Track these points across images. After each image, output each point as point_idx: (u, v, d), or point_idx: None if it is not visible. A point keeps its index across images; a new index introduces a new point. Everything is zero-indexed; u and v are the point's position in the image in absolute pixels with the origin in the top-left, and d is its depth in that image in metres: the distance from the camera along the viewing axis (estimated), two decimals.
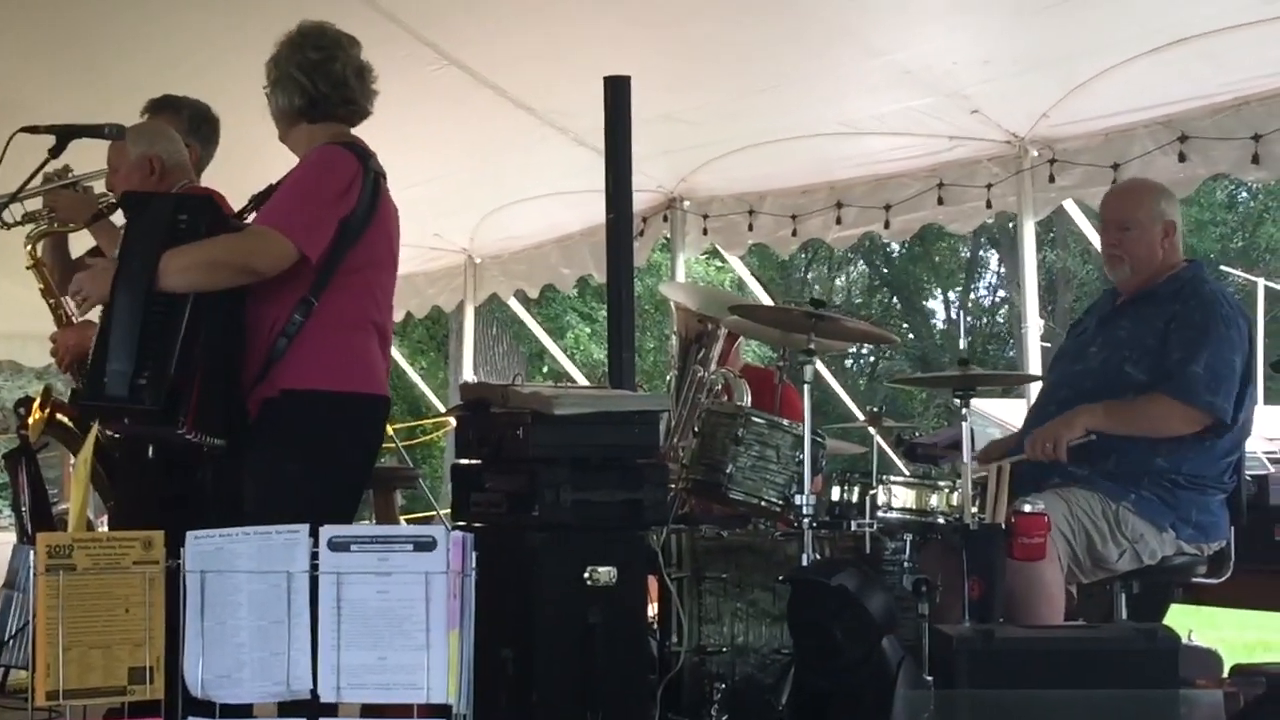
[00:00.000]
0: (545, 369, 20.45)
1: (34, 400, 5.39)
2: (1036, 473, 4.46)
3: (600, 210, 5.58)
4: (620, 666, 3.98)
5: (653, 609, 4.53)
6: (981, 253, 32.40)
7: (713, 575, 4.53)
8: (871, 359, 31.79)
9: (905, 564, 4.29)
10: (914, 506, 4.28)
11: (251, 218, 4.19)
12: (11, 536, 6.73)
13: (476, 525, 4.18)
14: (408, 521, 9.75)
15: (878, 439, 4.90)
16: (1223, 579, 4.62)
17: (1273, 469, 8.31)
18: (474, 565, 3.05)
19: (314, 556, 3.06)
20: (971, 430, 4.24)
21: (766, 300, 9.27)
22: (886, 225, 7.28)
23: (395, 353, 9.45)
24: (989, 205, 6.84)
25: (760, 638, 4.49)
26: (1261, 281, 21.17)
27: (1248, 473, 4.76)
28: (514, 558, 3.93)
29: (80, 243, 4.98)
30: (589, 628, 3.91)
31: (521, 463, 4.05)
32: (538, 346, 18.37)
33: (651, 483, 4.11)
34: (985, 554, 4.04)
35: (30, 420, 5.32)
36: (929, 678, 3.82)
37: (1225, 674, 4.52)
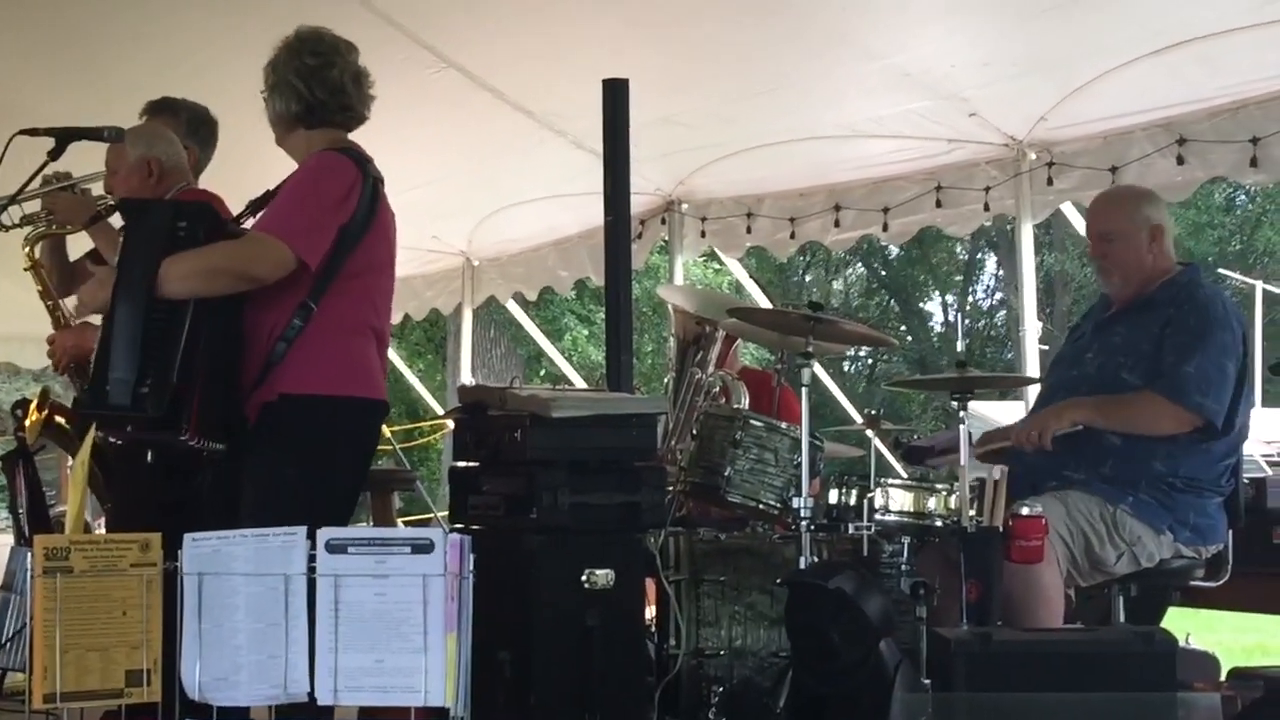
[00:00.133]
0: (543, 371, 20.47)
1: (31, 402, 5.38)
2: (1034, 475, 4.46)
3: (598, 213, 5.59)
4: (618, 669, 3.98)
5: (650, 612, 4.53)
6: (979, 255, 32.42)
7: (710, 578, 4.53)
8: (870, 362, 31.80)
9: (903, 567, 4.29)
10: (912, 509, 4.28)
11: (249, 223, 4.20)
12: (9, 539, 6.73)
13: (474, 528, 4.19)
14: (405, 524, 9.75)
15: (876, 442, 4.90)
16: (1220, 582, 4.62)
17: (1271, 472, 8.32)
18: (472, 568, 3.05)
19: (311, 559, 3.05)
20: (969, 433, 4.25)
21: (764, 303, 9.27)
22: (885, 228, 7.28)
23: (393, 355, 9.48)
24: (987, 208, 6.85)
25: (758, 640, 4.49)
26: (1259, 284, 21.22)
27: (1245, 476, 4.77)
28: (512, 560, 3.93)
29: (78, 245, 4.97)
30: (587, 630, 3.91)
31: (519, 465, 4.05)
32: (535, 349, 18.37)
33: (649, 485, 4.12)
34: (983, 557, 4.05)
35: (27, 422, 5.31)
36: (927, 680, 3.81)
37: (1223, 677, 4.53)
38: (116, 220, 4.56)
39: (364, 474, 4.25)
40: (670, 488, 4.50)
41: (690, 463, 4.63)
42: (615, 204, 5.48)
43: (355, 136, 4.18)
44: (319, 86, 4.08)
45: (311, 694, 3.05)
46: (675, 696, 4.41)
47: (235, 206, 4.37)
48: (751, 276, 9.00)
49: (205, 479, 4.08)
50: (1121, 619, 4.56)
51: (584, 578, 3.94)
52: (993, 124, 6.53)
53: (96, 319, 4.16)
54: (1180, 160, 6.03)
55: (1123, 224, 4.67)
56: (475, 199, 8.60)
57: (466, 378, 11.20)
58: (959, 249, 31.40)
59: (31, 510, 5.44)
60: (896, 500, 4.28)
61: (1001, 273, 30.89)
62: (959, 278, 33.38)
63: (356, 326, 4.04)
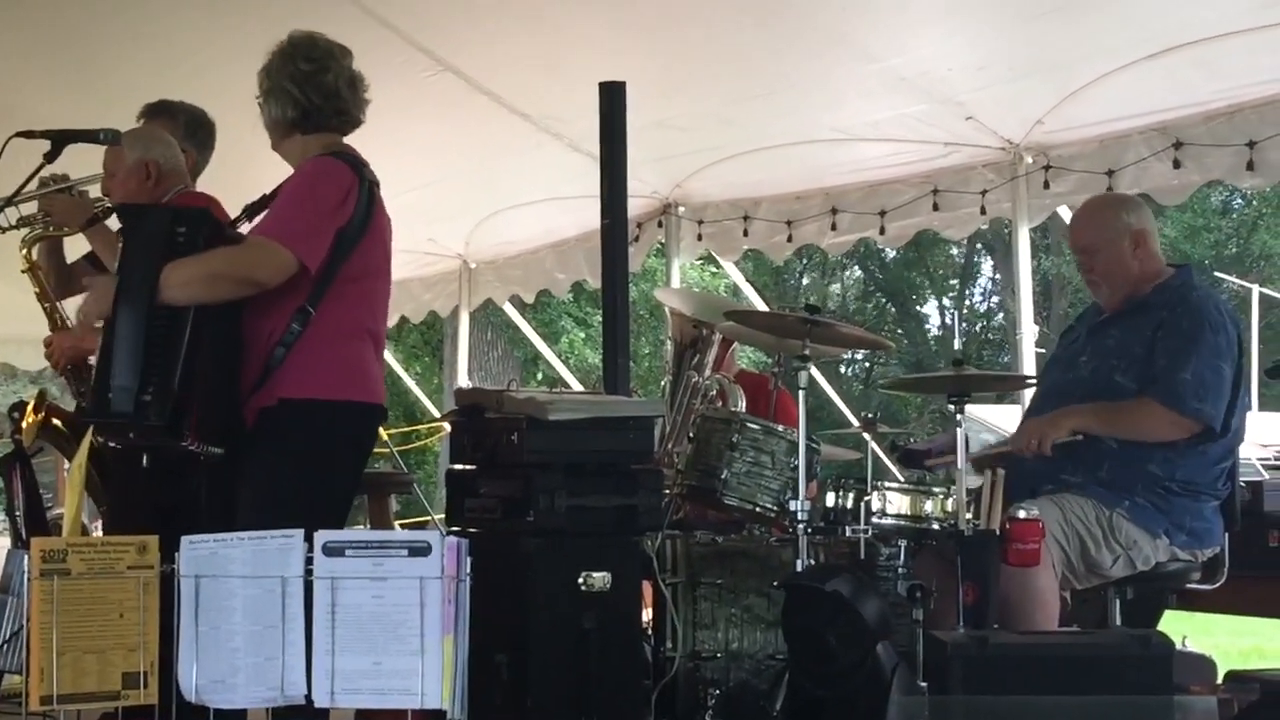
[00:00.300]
0: (540, 374, 20.45)
1: (28, 404, 5.38)
2: (1031, 479, 4.47)
3: (595, 215, 5.59)
4: (615, 672, 3.98)
5: (647, 614, 4.53)
6: (976, 259, 32.41)
7: (707, 581, 4.53)
8: (866, 365, 31.79)
9: (900, 570, 4.30)
10: (908, 512, 4.29)
11: (244, 228, 4.20)
12: (6, 541, 6.73)
13: (471, 530, 4.19)
14: (402, 527, 9.75)
15: (872, 445, 4.90)
16: (1217, 585, 4.62)
17: (1267, 476, 8.32)
18: (469, 570, 3.05)
19: (309, 561, 3.05)
20: (966, 436, 4.25)
21: (761, 306, 9.29)
22: (881, 231, 7.29)
23: (390, 357, 9.47)
24: (984, 211, 6.85)
25: (755, 643, 4.50)
26: (1256, 288, 21.23)
27: (1242, 479, 4.77)
28: (509, 563, 3.93)
29: (76, 247, 4.97)
30: (584, 633, 3.91)
31: (516, 468, 4.05)
32: (532, 351, 18.37)
33: (646, 488, 4.12)
34: (980, 560, 4.05)
35: (25, 424, 5.31)
36: (923, 684, 3.82)
37: (1219, 680, 4.54)
38: (114, 222, 4.57)
39: (360, 476, 4.25)
40: (667, 490, 4.51)
41: (687, 465, 4.63)
42: (612, 207, 5.49)
43: (352, 140, 4.18)
44: (314, 92, 4.08)
45: (309, 696, 3.05)
46: (672, 699, 4.41)
47: (233, 209, 4.37)
48: (748, 279, 9.02)
49: (201, 482, 4.08)
50: (1118, 622, 4.56)
51: (581, 580, 3.94)
52: (989, 127, 6.53)
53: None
54: (1177, 164, 6.04)
55: (1103, 235, 4.66)
56: (472, 202, 8.60)
57: (463, 380, 11.20)
58: (955, 252, 31.40)
59: (28, 512, 5.44)
60: (893, 503, 4.28)
61: (998, 276, 30.91)
62: (955, 281, 33.38)
63: (354, 331, 4.05)
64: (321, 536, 3.06)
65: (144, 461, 4.23)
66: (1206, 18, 5.47)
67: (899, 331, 31.98)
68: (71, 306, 4.63)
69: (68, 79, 7.11)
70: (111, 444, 4.25)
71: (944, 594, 4.10)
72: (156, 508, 4.15)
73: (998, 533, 4.07)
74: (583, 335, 22.56)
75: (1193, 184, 6.23)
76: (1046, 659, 3.76)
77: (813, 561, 4.29)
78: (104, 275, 4.11)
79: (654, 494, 4.17)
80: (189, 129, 4.97)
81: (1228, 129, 5.88)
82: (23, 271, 4.93)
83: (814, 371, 4.58)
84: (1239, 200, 27.89)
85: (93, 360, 4.57)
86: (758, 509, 4.51)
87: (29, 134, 4.02)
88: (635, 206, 7.10)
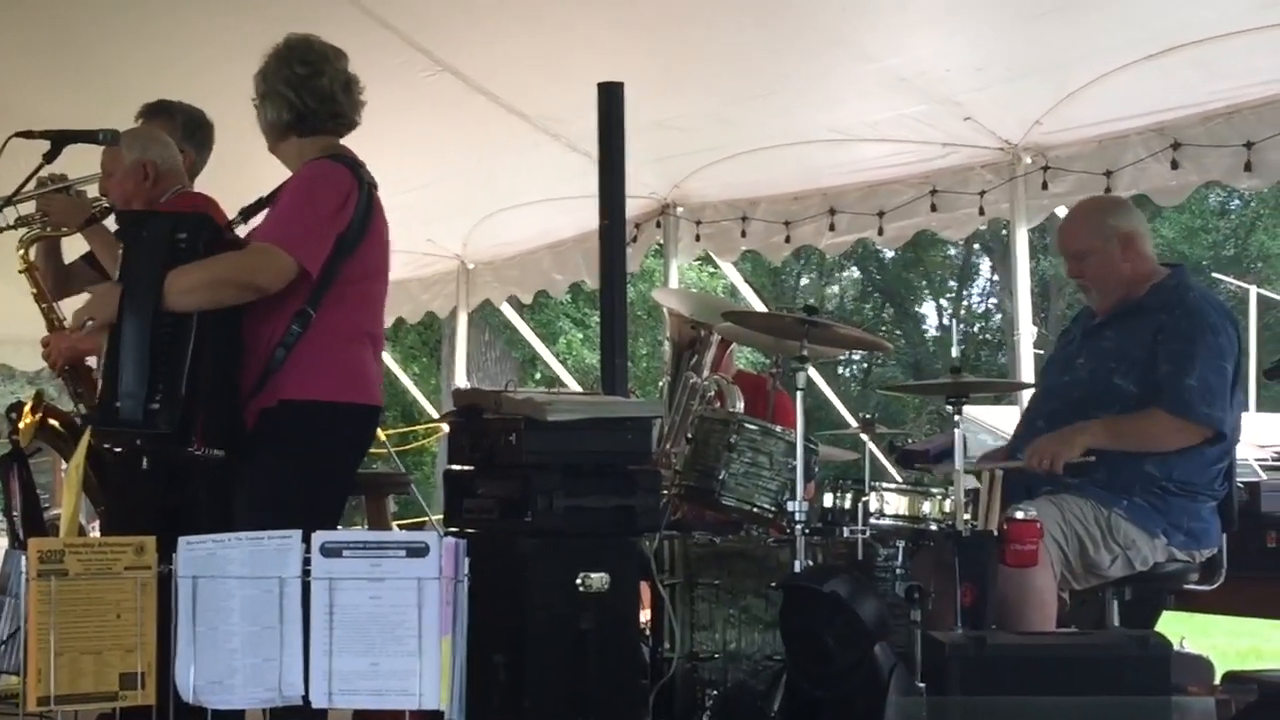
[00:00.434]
0: (538, 375, 20.42)
1: (26, 405, 5.37)
2: (1028, 480, 4.46)
3: (593, 216, 5.60)
4: (612, 673, 3.98)
5: (645, 615, 4.53)
6: (974, 259, 32.42)
7: (705, 581, 4.53)
8: (864, 365, 31.80)
9: (897, 570, 4.30)
10: (906, 513, 4.29)
11: (240, 230, 4.21)
12: (3, 542, 6.72)
13: (469, 531, 4.19)
14: (400, 527, 9.74)
15: (870, 445, 4.90)
16: (1215, 586, 4.62)
17: (1265, 476, 8.32)
18: (466, 571, 3.05)
19: (306, 562, 3.05)
20: (964, 437, 4.25)
21: (759, 306, 9.29)
22: (879, 232, 7.28)
23: (388, 358, 9.47)
24: (982, 212, 6.85)
25: (753, 644, 4.49)
26: (1254, 289, 21.22)
27: (1240, 480, 4.77)
28: (506, 564, 3.94)
29: (74, 247, 4.97)
30: (581, 634, 3.92)
31: (514, 468, 4.06)
32: (530, 352, 18.35)
33: (644, 489, 4.12)
34: (977, 560, 4.05)
35: (22, 425, 5.31)
36: (921, 684, 3.81)
37: (1217, 681, 4.53)
38: (111, 223, 4.57)
39: (354, 478, 4.27)
40: (665, 491, 4.51)
41: (685, 466, 4.63)
42: (610, 207, 5.50)
43: (350, 140, 4.19)
44: (309, 95, 4.09)
45: (306, 697, 3.05)
46: (669, 700, 4.41)
47: (232, 209, 4.38)
48: (746, 280, 9.02)
49: (200, 483, 4.08)
50: (1116, 623, 4.56)
51: (579, 581, 3.93)
52: (988, 128, 6.53)
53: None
54: (1175, 165, 6.03)
55: (1091, 240, 4.65)
56: (470, 202, 8.60)
57: (461, 381, 11.19)
58: (953, 253, 31.40)
59: (26, 513, 5.43)
60: (891, 504, 4.28)
61: (996, 277, 30.92)
62: (954, 282, 33.39)
63: (354, 333, 4.06)
64: (319, 537, 3.06)
65: (144, 464, 4.24)
66: (1205, 18, 5.47)
67: (897, 332, 31.98)
68: (69, 307, 4.62)
69: (67, 79, 7.11)
70: (111, 446, 4.26)
71: (942, 595, 4.10)
72: (161, 510, 4.17)
73: (996, 533, 4.07)
74: (581, 336, 22.56)
75: (1191, 185, 6.22)
76: (1044, 660, 3.76)
77: (810, 562, 4.28)
78: (106, 283, 4.11)
79: (652, 495, 4.18)
80: (187, 129, 4.97)
81: (1226, 130, 5.88)
82: (20, 272, 4.92)
83: (812, 372, 4.58)
84: (1237, 201, 27.89)
85: (91, 361, 4.59)
86: (755, 510, 4.51)
87: (28, 134, 4.01)
88: (633, 207, 7.09)
